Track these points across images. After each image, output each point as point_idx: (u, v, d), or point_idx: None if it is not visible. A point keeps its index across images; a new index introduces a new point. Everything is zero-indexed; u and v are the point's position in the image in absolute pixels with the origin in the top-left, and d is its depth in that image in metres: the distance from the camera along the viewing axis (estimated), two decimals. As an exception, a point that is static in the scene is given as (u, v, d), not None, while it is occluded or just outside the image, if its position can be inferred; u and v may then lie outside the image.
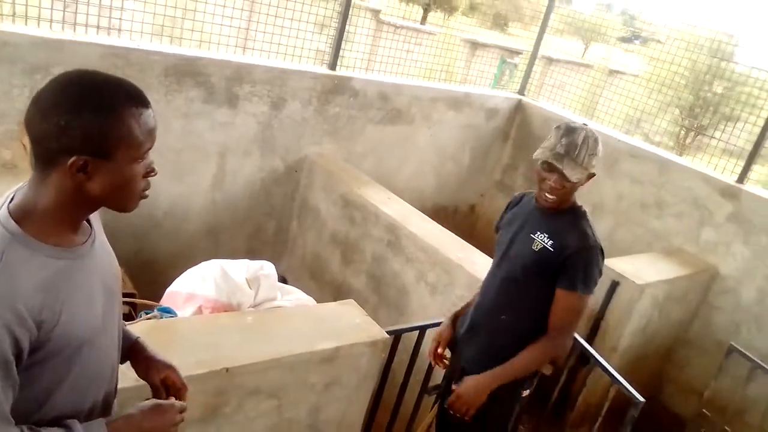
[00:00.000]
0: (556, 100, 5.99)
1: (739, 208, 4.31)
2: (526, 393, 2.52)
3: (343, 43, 4.61)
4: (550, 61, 7.27)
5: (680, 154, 5.80)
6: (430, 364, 2.81)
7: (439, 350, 2.58)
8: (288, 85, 4.32)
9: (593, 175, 2.23)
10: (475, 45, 7.78)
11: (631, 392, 2.72)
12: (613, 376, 2.82)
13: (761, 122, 4.39)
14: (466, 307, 2.62)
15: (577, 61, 9.00)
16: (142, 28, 3.86)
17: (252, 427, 2.33)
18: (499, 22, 10.85)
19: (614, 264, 3.97)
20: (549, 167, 2.17)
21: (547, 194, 2.23)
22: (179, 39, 4.12)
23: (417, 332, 2.91)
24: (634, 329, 3.99)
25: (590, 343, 3.94)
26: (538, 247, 2.27)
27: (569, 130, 2.17)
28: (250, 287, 2.66)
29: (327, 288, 4.39)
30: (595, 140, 2.19)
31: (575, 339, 2.99)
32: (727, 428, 3.56)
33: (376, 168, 4.96)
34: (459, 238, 3.80)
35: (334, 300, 3.16)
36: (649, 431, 4.30)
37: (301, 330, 2.48)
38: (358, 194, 4.15)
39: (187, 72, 3.91)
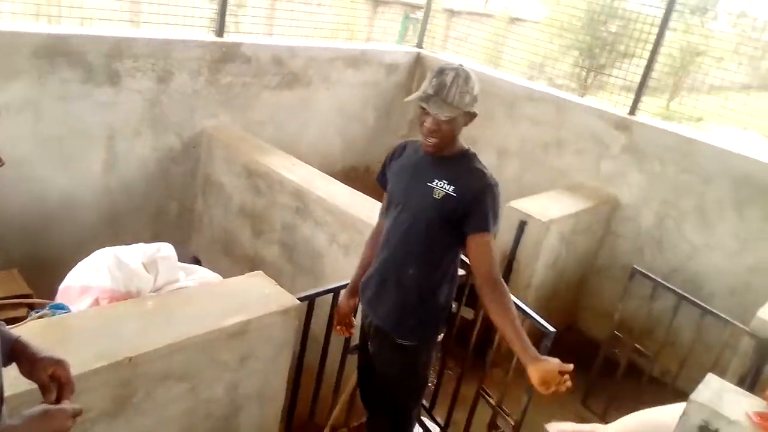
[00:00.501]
0: (461, 53, 5.99)
1: (632, 139, 4.49)
2: (440, 338, 2.57)
3: (234, 8, 4.42)
4: (452, 13, 7.27)
5: (583, 95, 5.97)
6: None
7: (339, 327, 2.68)
8: (173, 56, 4.10)
9: (473, 114, 2.23)
10: (377, 2, 7.66)
11: (542, 324, 2.81)
12: (524, 311, 2.90)
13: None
14: (358, 276, 2.60)
15: (479, 12, 9.06)
16: (13, 8, 3.54)
17: (165, 413, 2.25)
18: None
19: (521, 205, 4.07)
20: (423, 110, 2.16)
21: (426, 138, 2.21)
22: (58, 18, 3.82)
23: (331, 295, 2.88)
24: (544, 265, 4.13)
25: (505, 283, 4.06)
26: (440, 194, 2.23)
27: (440, 71, 2.16)
28: (148, 272, 2.53)
29: (241, 262, 4.28)
30: (466, 78, 2.16)
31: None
32: (637, 345, 3.76)
33: (278, 135, 4.83)
34: (368, 197, 3.77)
35: (250, 274, 3.09)
36: (568, 357, 4.53)
37: (207, 308, 2.39)
38: (260, 163, 4.04)
39: (59, 52, 3.64)
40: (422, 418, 3.64)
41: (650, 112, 4.74)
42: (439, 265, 2.38)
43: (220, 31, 4.38)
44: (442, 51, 6.05)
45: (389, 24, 5.91)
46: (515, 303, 2.92)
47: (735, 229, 4.11)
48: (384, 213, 2.51)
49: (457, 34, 6.31)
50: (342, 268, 3.57)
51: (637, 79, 4.59)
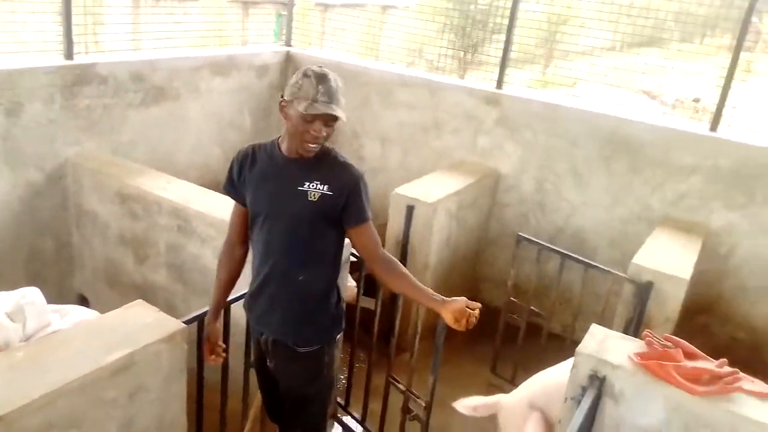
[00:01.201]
0: (339, 47, 5.93)
1: (502, 112, 4.66)
2: (339, 336, 2.56)
3: (86, 27, 4.16)
4: (326, 7, 7.22)
5: (463, 74, 6.06)
6: (247, 336, 2.74)
7: (212, 357, 2.55)
8: (20, 86, 3.82)
9: None
10: (246, 4, 7.48)
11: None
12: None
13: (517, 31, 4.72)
14: (220, 297, 2.53)
15: (352, 3, 9.05)
16: None
17: (53, 466, 2.10)
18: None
19: (406, 190, 4.13)
20: (314, 117, 2.13)
21: (310, 144, 2.19)
22: None
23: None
24: (438, 244, 4.21)
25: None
26: (316, 196, 2.23)
27: (321, 77, 2.15)
28: (14, 321, 2.34)
29: (129, 292, 4.06)
30: (339, 80, 2.21)
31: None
32: (532, 308, 3.92)
33: (151, 154, 4.63)
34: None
35: (141, 303, 2.94)
36: (473, 328, 4.65)
37: (84, 348, 2.25)
38: (133, 186, 3.84)
39: None
40: (339, 415, 3.64)
41: (529, 81, 4.91)
42: (328, 264, 2.39)
43: (69, 54, 4.12)
44: (317, 47, 6.01)
45: (263, 25, 5.77)
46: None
47: (606, 185, 4.37)
48: (250, 226, 2.40)
49: (333, 28, 6.25)
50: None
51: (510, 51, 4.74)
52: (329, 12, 7.19)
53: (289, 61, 5.67)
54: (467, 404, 2.99)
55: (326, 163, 2.28)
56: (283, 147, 2.29)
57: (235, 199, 2.43)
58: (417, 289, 2.37)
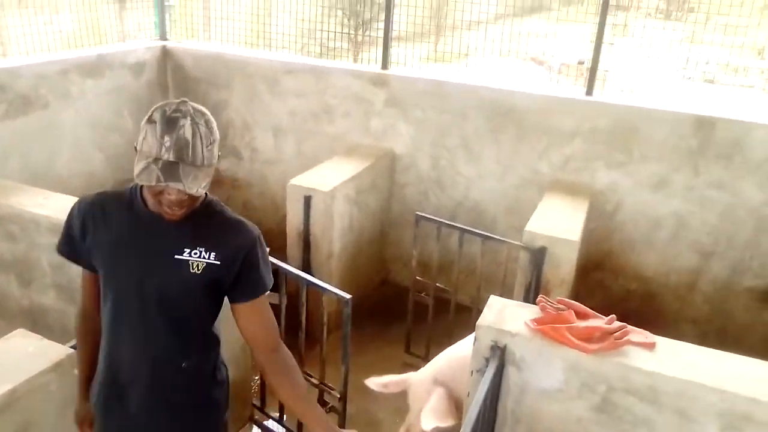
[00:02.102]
0: (224, 37, 5.64)
1: (391, 93, 4.67)
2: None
3: None
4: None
5: (356, 54, 5.96)
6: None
7: None
8: None
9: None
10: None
11: (336, 293, 2.83)
12: (319, 285, 2.91)
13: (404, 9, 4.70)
14: (87, 373, 2.03)
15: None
16: None
17: None
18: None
19: (302, 180, 4.06)
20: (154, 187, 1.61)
21: (168, 213, 1.67)
22: None
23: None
24: (340, 231, 4.19)
25: (307, 259, 4.07)
26: (200, 266, 1.74)
27: (169, 123, 1.55)
28: None
29: (17, 320, 3.78)
30: (207, 122, 1.61)
31: (282, 269, 3.01)
32: (438, 284, 3.98)
33: (25, 168, 4.30)
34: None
35: (32, 329, 2.72)
36: (386, 311, 4.71)
37: (-43, 392, 2.07)
38: (6, 206, 3.55)
39: None
40: (256, 418, 3.57)
41: (422, 58, 4.90)
42: (215, 340, 1.98)
43: None
44: (201, 38, 5.75)
45: (144, 18, 5.42)
46: (309, 281, 2.94)
47: (496, 155, 4.49)
48: (102, 300, 1.86)
49: (219, 15, 5.90)
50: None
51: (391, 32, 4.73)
52: (213, -1, 6.89)
53: (167, 57, 5.41)
54: (378, 382, 3.01)
55: (211, 222, 1.78)
56: (149, 198, 1.75)
57: (77, 263, 1.94)
58: (309, 409, 1.91)
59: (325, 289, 2.88)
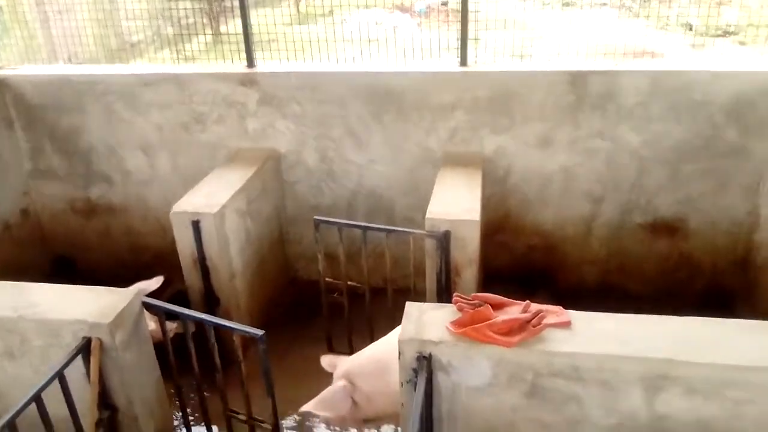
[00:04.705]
0: (72, 47, 5.05)
1: (262, 91, 4.41)
2: None
3: None
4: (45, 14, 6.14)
5: (216, 28, 5.48)
6: None
7: None
8: None
9: None
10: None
11: (247, 331, 2.68)
12: (229, 327, 2.74)
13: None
14: None
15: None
16: None
17: None
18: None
19: (186, 205, 3.78)
20: None
21: None
22: None
23: None
24: (238, 248, 3.98)
25: (208, 285, 3.83)
26: None
27: None
28: None
29: None
30: None
31: (183, 315, 2.80)
32: (349, 282, 3.88)
33: None
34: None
35: None
36: (300, 309, 4.59)
37: None
38: None
39: None
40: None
41: (284, 20, 4.61)
42: None
43: None
44: (41, 61, 5.14)
45: None
46: (218, 324, 2.77)
47: (384, 138, 4.39)
48: None
49: (66, 32, 5.27)
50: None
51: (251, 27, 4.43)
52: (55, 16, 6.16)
53: (3, 88, 4.75)
54: (331, 361, 3.24)
55: None
56: None
57: None
58: None
59: (235, 329, 2.72)
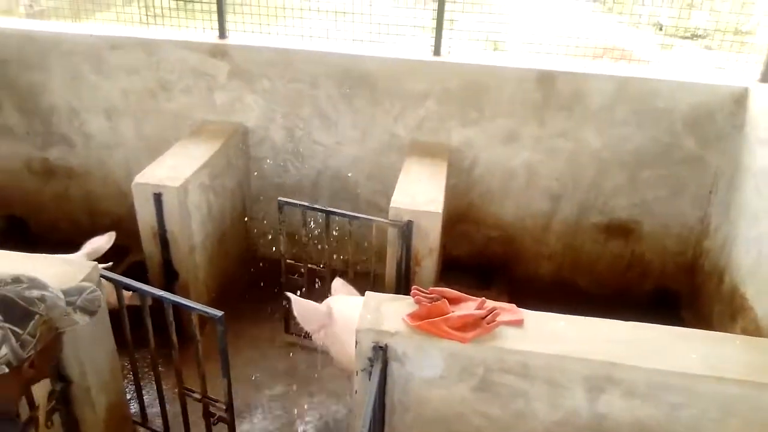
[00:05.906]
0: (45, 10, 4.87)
1: (233, 63, 4.35)
2: None
3: None
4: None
5: (186, 3, 5.35)
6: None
7: None
8: None
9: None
10: None
11: (205, 312, 2.68)
12: (187, 305, 2.74)
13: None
14: None
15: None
16: None
17: None
18: None
19: (150, 176, 3.72)
20: None
21: None
22: None
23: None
24: (199, 223, 3.95)
25: (167, 257, 3.80)
26: None
27: None
28: None
29: None
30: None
31: (142, 291, 2.78)
32: (310, 265, 3.91)
33: None
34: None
35: None
36: (259, 288, 4.58)
37: None
38: None
39: None
40: (138, 435, 3.39)
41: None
42: None
43: None
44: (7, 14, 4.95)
45: None
46: (175, 301, 2.76)
47: (353, 121, 4.39)
48: None
49: None
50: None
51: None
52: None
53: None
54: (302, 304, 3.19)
55: None
56: None
57: None
58: None
59: (193, 308, 2.72)
